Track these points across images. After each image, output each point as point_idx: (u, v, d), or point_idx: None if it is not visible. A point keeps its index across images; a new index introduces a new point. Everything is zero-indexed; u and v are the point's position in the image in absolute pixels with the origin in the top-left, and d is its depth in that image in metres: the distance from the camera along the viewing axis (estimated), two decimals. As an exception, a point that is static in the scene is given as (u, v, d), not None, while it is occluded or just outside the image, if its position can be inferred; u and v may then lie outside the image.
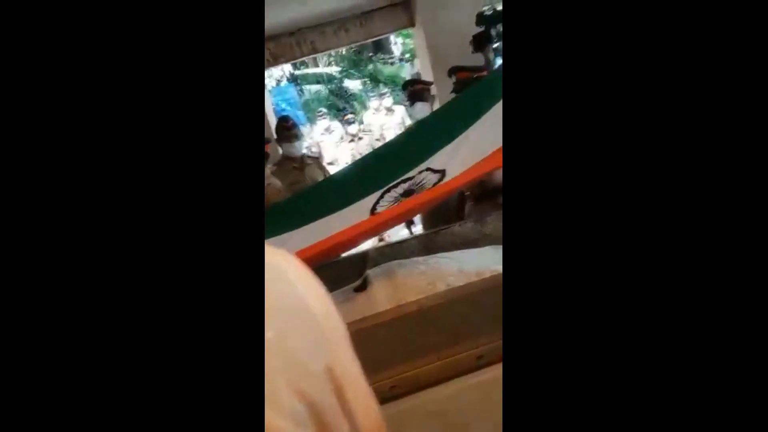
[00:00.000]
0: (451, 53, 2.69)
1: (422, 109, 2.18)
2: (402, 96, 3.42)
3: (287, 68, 7.22)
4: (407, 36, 6.96)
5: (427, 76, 3.16)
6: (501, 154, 1.15)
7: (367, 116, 5.31)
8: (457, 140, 1.15)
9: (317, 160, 2.57)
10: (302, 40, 3.03)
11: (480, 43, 2.03)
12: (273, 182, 2.13)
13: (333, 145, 4.63)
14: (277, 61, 3.11)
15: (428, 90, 2.24)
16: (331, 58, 7.77)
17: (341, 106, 7.38)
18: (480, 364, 0.93)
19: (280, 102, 6.48)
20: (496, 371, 0.93)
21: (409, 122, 3.73)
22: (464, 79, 1.92)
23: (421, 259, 1.22)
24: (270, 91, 5.55)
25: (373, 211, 1.16)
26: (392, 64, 8.03)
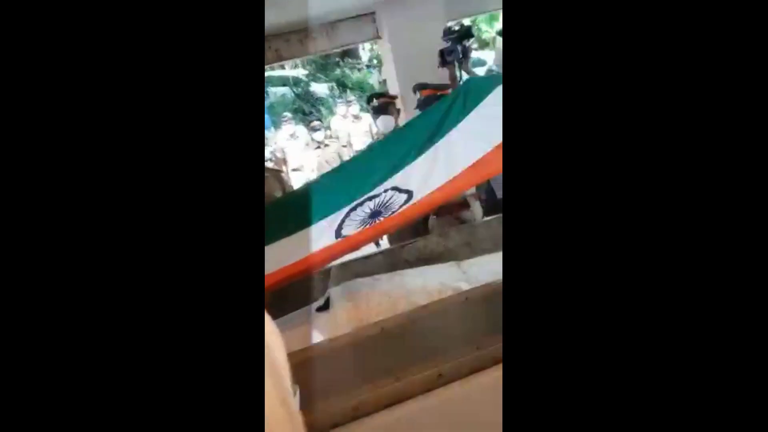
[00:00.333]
0: (417, 67, 2.73)
1: (386, 123, 2.21)
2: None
3: (252, 70, 7.03)
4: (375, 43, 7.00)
5: (393, 88, 3.20)
6: (468, 177, 1.17)
7: (334, 122, 5.28)
8: (421, 158, 1.15)
9: (277, 173, 2.43)
10: (267, 47, 2.98)
11: (446, 58, 2.07)
12: None
13: (298, 152, 4.57)
14: (240, 67, 3.05)
15: (393, 104, 2.27)
16: (298, 60, 7.68)
17: (307, 110, 7.30)
18: (441, 382, 0.95)
19: (244, 105, 6.31)
20: (456, 389, 0.95)
21: (375, 130, 3.74)
22: (428, 96, 1.96)
23: (384, 276, 1.23)
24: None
25: (338, 234, 1.14)
26: (360, 69, 8.05)
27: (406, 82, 3.00)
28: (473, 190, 1.71)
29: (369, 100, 2.37)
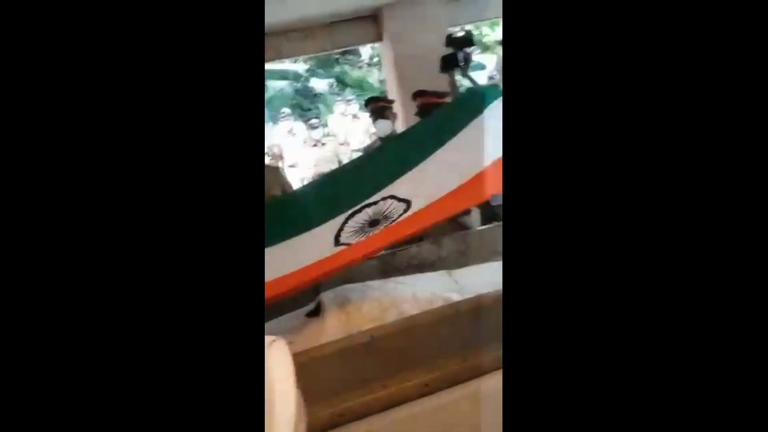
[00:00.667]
0: (417, 71, 2.74)
1: (384, 127, 2.21)
2: (368, 106, 3.43)
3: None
4: (376, 42, 6.98)
5: (392, 91, 3.21)
6: (468, 192, 1.13)
7: (332, 120, 5.28)
8: (419, 166, 1.13)
9: (276, 170, 2.35)
10: (268, 45, 2.97)
11: (447, 64, 2.08)
12: None
13: (296, 148, 4.57)
14: (240, 63, 3.04)
15: (390, 108, 2.27)
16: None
17: (306, 106, 7.28)
18: (426, 391, 0.97)
19: (242, 98, 6.28)
20: (441, 398, 0.97)
21: (374, 130, 3.76)
22: (427, 104, 1.97)
23: (376, 283, 1.25)
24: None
25: (337, 240, 1.12)
26: (360, 67, 8.03)
27: (405, 85, 3.02)
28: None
29: (367, 103, 2.37)
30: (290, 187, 2.32)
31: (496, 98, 1.10)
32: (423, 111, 1.96)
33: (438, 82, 2.14)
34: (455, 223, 1.75)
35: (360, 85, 7.51)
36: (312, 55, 7.40)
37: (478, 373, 0.95)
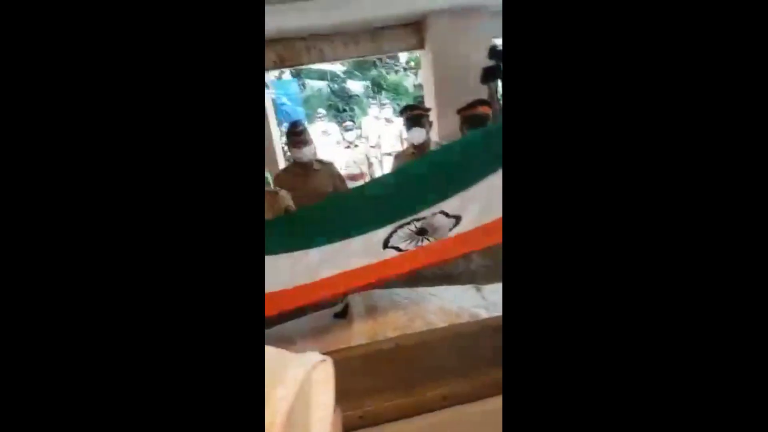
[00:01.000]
0: (457, 81, 2.74)
1: (418, 135, 2.23)
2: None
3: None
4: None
5: (429, 99, 3.22)
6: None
7: (366, 122, 5.34)
8: (472, 188, 1.09)
9: (329, 166, 2.36)
10: (312, 47, 3.05)
11: (488, 76, 2.07)
12: (277, 190, 2.00)
13: (329, 149, 4.65)
14: (283, 64, 3.13)
15: (426, 116, 2.28)
16: (337, 56, 7.74)
17: (341, 107, 7.39)
18: (446, 404, 0.98)
19: (280, 95, 6.45)
20: (458, 412, 0.98)
21: (407, 135, 3.77)
22: (472, 116, 1.96)
23: (403, 291, 1.26)
24: (272, 83, 5.55)
25: (386, 245, 1.12)
26: (397, 71, 8.07)
27: (442, 94, 3.02)
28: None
29: (402, 111, 2.39)
30: (344, 185, 2.36)
31: None
32: (470, 121, 1.96)
33: (478, 93, 2.13)
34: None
35: (395, 89, 7.56)
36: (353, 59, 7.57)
37: (500, 391, 0.95)
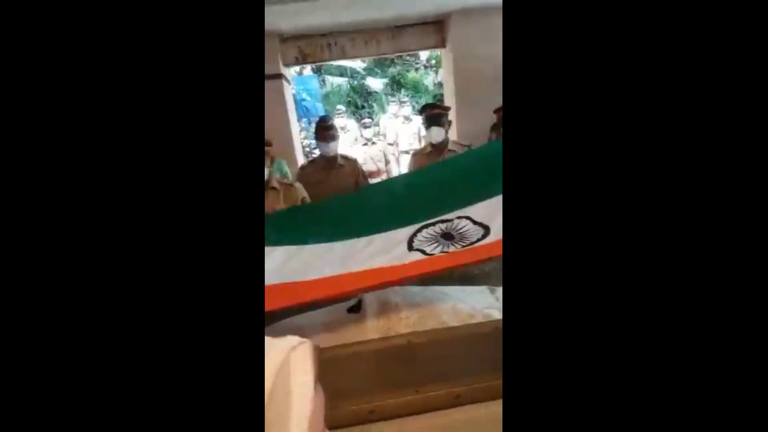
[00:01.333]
0: (478, 81, 2.72)
1: (438, 134, 2.22)
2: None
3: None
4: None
5: (449, 98, 3.20)
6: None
7: (384, 120, 5.34)
8: (499, 197, 1.06)
9: (353, 162, 2.39)
10: (333, 43, 3.07)
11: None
12: (295, 184, 2.03)
13: (346, 146, 4.68)
14: (305, 60, 3.17)
15: (446, 115, 2.27)
16: (357, 52, 7.76)
17: (361, 104, 7.41)
18: (456, 402, 0.99)
19: (301, 91, 6.51)
20: (471, 411, 0.98)
21: (425, 133, 3.76)
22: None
23: (416, 289, 1.27)
24: (293, 78, 5.62)
25: (411, 246, 1.12)
26: (417, 69, 8.04)
27: (463, 93, 3.01)
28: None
29: (422, 110, 2.38)
30: (366, 180, 2.38)
31: None
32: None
33: (499, 93, 2.11)
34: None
35: (415, 87, 7.53)
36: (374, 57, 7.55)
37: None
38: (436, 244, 1.14)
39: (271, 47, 2.90)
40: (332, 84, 7.74)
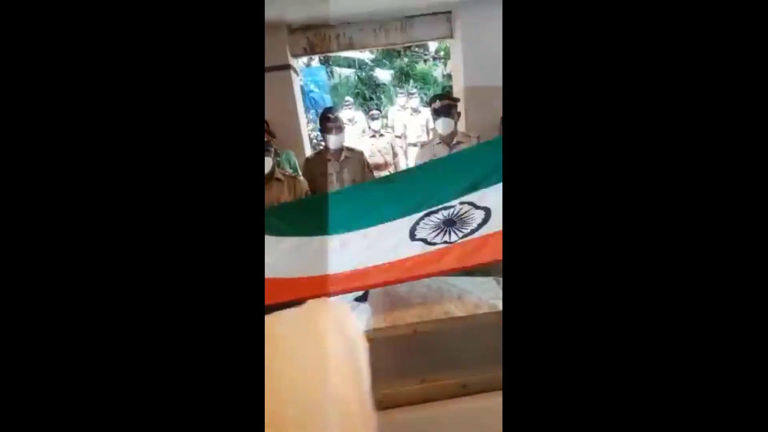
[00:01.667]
0: (487, 72, 2.69)
1: (447, 126, 2.21)
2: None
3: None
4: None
5: (458, 89, 3.17)
6: None
7: (392, 112, 5.31)
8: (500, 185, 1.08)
9: (359, 155, 2.40)
10: (341, 34, 3.05)
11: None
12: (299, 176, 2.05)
13: (354, 138, 4.67)
14: (313, 51, 3.15)
15: (455, 106, 2.25)
16: (365, 43, 7.71)
17: (369, 95, 7.37)
18: (463, 392, 0.99)
19: (309, 83, 6.50)
20: (478, 401, 0.99)
21: (432, 126, 3.73)
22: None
23: (423, 280, 1.27)
24: (301, 70, 5.60)
25: (413, 235, 1.13)
26: (425, 61, 7.97)
27: (471, 85, 2.97)
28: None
29: (431, 101, 2.37)
30: (371, 174, 2.39)
31: None
32: None
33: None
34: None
35: (423, 79, 7.47)
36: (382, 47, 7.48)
37: (517, 383, 0.95)
38: (437, 231, 1.15)
39: (279, 38, 2.89)
40: (340, 75, 7.71)
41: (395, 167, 3.84)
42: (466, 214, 1.13)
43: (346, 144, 2.35)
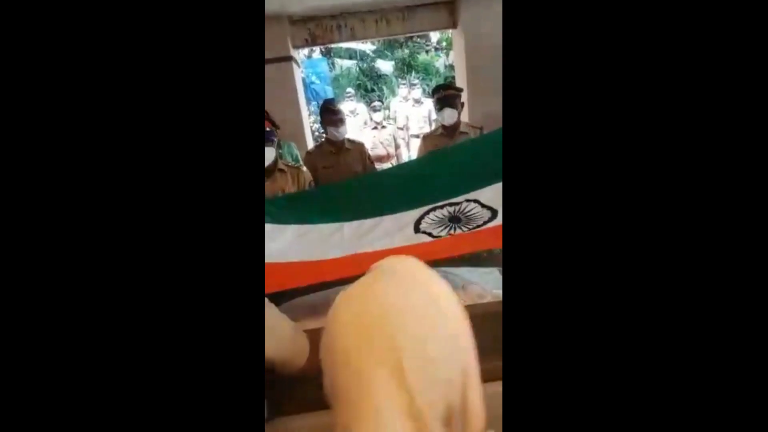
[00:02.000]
0: (490, 62, 2.67)
1: (450, 116, 2.20)
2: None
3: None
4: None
5: (461, 80, 3.15)
6: None
7: (394, 103, 5.28)
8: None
9: (360, 147, 2.40)
10: (343, 25, 3.03)
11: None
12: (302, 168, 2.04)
13: (356, 129, 4.65)
14: (314, 41, 3.14)
15: (458, 97, 2.24)
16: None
17: (370, 87, 7.33)
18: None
19: (310, 74, 6.46)
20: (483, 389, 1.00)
21: (435, 117, 3.71)
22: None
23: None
24: (302, 61, 5.57)
25: (417, 229, 1.13)
26: (427, 52, 7.90)
27: (474, 75, 2.96)
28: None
29: (435, 92, 2.36)
30: (371, 166, 2.39)
31: None
32: None
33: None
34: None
35: (425, 70, 7.41)
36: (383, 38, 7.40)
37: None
38: (442, 227, 1.15)
39: (280, 29, 2.87)
40: (341, 67, 7.65)
41: (397, 159, 3.83)
42: (471, 212, 1.13)
43: (348, 136, 2.35)
